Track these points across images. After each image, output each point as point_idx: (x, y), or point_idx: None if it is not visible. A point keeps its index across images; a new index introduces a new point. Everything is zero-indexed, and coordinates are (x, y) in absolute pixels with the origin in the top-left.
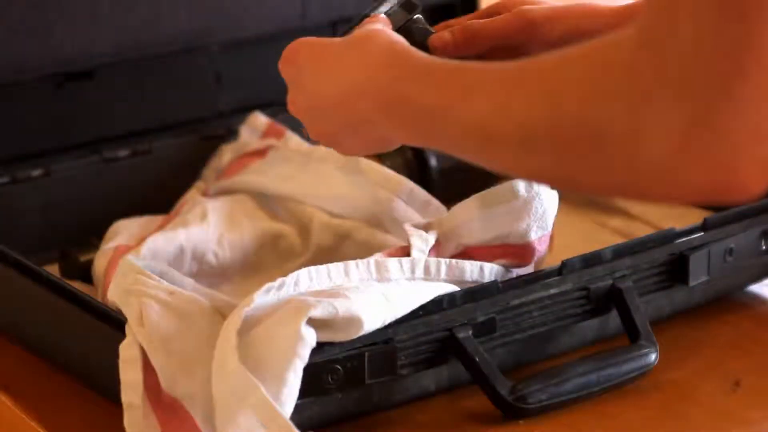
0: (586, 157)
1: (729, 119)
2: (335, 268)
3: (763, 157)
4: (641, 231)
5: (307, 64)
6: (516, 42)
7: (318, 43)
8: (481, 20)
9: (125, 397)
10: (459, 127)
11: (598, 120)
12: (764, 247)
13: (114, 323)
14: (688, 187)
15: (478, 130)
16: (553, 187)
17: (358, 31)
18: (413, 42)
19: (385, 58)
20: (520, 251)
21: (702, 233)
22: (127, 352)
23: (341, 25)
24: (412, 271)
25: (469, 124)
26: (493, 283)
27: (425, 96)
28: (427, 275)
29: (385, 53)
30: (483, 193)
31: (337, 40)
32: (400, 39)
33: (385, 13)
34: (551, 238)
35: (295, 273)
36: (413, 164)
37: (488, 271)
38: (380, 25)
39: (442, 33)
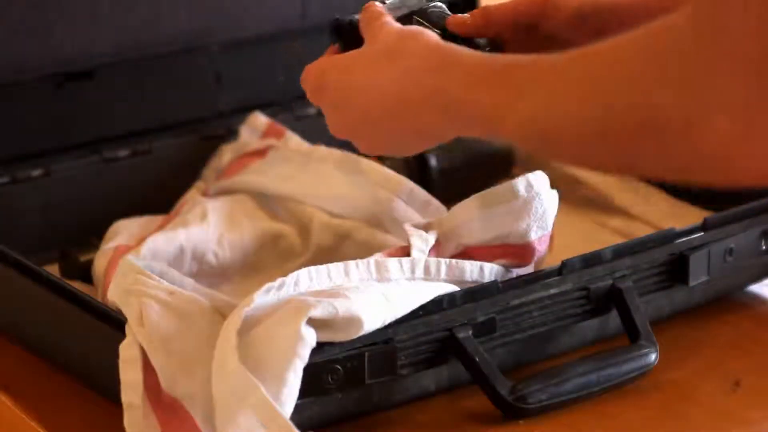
0: (646, 147)
1: None
2: (335, 268)
3: None
4: (641, 231)
5: (342, 83)
6: (533, 19)
7: (343, 59)
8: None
9: (125, 397)
10: (516, 125)
11: (655, 109)
12: (764, 247)
13: (114, 323)
14: (752, 171)
15: (534, 128)
16: (617, 174)
17: (386, 36)
18: (431, 25)
19: (430, 62)
20: (520, 251)
21: (702, 233)
22: (127, 352)
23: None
24: (412, 271)
25: (526, 122)
26: (493, 283)
27: (480, 98)
28: (427, 275)
29: (428, 56)
30: (483, 193)
31: (364, 51)
32: (437, 38)
33: None
34: (551, 238)
35: (295, 273)
36: (413, 164)
37: (488, 271)
38: (390, 18)
39: (460, 15)
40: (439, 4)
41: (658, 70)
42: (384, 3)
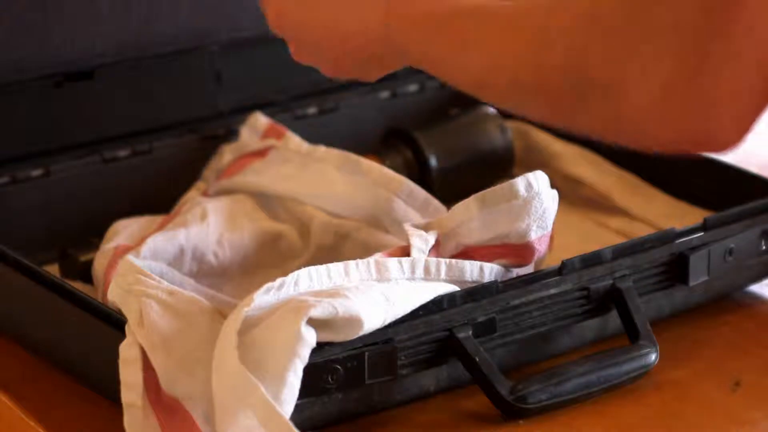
0: (575, 106)
1: (707, 77)
2: (335, 268)
3: (737, 113)
4: (641, 231)
5: (299, 14)
6: None
7: None
8: None
9: (125, 397)
10: (457, 76)
11: (584, 69)
12: (764, 247)
13: (114, 323)
14: (667, 137)
15: (474, 81)
16: (558, 126)
17: None
18: None
19: (382, 3)
20: (520, 251)
21: (702, 233)
22: (127, 352)
23: None
24: (412, 271)
25: (466, 76)
26: (493, 283)
27: (423, 47)
28: (427, 275)
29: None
30: (483, 193)
31: None
32: None
33: None
34: (551, 238)
35: (295, 273)
36: (413, 164)
37: (488, 271)
38: None
39: None
40: None
41: (590, 33)
42: None
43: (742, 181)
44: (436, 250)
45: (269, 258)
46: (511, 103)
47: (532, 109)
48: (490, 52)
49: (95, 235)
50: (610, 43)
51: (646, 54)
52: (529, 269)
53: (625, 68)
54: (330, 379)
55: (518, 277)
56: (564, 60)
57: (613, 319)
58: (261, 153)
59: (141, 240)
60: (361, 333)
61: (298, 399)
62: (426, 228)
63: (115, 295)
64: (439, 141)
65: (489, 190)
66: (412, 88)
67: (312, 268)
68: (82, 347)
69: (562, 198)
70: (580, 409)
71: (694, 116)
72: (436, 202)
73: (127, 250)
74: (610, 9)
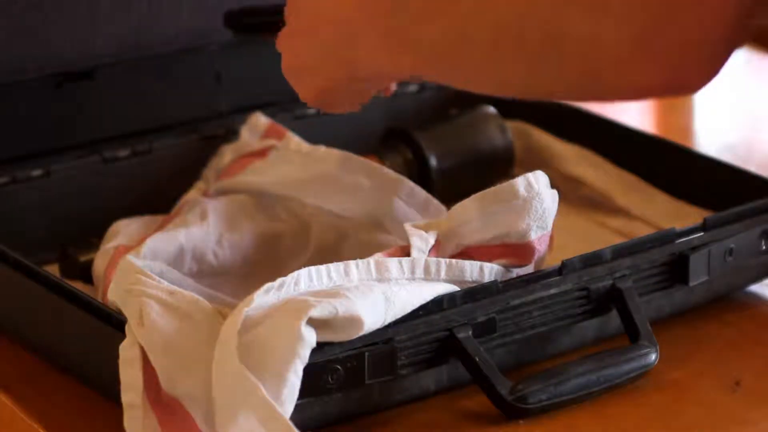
0: (550, 60)
1: (675, 26)
2: (335, 268)
3: (704, 57)
4: (641, 231)
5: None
6: None
7: None
8: None
9: (125, 397)
10: (440, 29)
11: (561, 23)
12: (764, 247)
13: (114, 323)
14: (640, 85)
15: (456, 32)
16: (521, 97)
17: None
18: None
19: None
20: (520, 251)
21: (702, 233)
22: (127, 352)
23: None
24: (412, 271)
25: (450, 25)
26: (493, 283)
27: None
28: (427, 275)
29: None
30: (483, 193)
31: None
32: None
33: None
34: (551, 238)
35: (295, 273)
36: (413, 164)
37: (488, 271)
38: None
39: None
40: None
41: None
42: None
43: (742, 181)
44: (436, 250)
45: (269, 258)
46: (487, 62)
47: (507, 69)
48: (469, 9)
49: (95, 235)
50: (585, 1)
51: (618, 9)
52: (529, 269)
53: (600, 23)
54: (330, 379)
55: (518, 277)
56: (544, 12)
57: (613, 319)
58: (261, 153)
59: (141, 240)
60: (361, 333)
61: (298, 399)
62: (426, 228)
63: (115, 295)
64: (439, 141)
65: (489, 190)
66: (412, 88)
67: (312, 268)
68: (82, 347)
69: (562, 198)
70: (580, 409)
71: (665, 64)
72: (436, 202)
73: (127, 250)
74: None
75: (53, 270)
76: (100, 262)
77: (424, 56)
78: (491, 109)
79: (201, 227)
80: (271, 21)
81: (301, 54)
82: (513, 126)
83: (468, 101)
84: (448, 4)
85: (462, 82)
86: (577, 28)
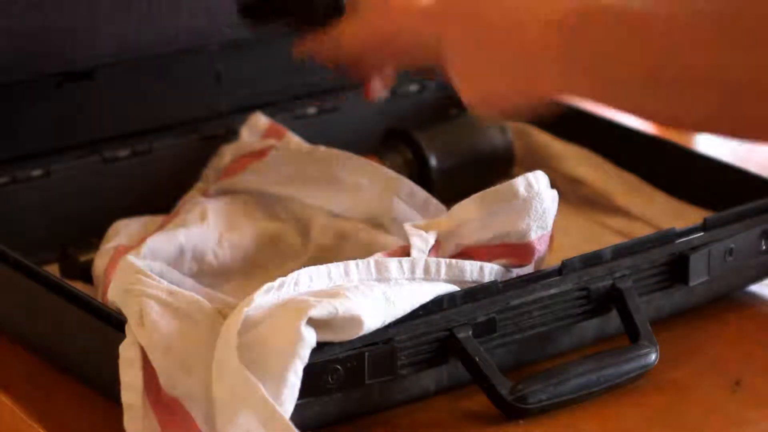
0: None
1: None
2: (335, 268)
3: None
4: (641, 231)
5: None
6: None
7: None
8: None
9: (125, 397)
10: (644, 33)
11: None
12: (764, 247)
13: (114, 323)
14: None
15: (669, 34)
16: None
17: None
18: None
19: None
20: (520, 251)
21: (702, 233)
22: (127, 352)
23: None
24: (412, 271)
25: (658, 27)
26: (493, 283)
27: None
28: (427, 275)
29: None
30: (483, 192)
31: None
32: None
33: None
34: (551, 238)
35: (295, 273)
36: (413, 164)
37: (488, 271)
38: None
39: None
40: None
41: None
42: None
43: (742, 181)
44: (436, 250)
45: (269, 258)
46: (707, 59)
47: (734, 63)
48: (661, 48)
49: (95, 235)
50: (753, 49)
51: None
52: (529, 269)
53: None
54: (330, 379)
55: (518, 277)
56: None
57: (613, 319)
58: (261, 153)
59: (141, 240)
60: (361, 333)
61: (298, 399)
62: (426, 228)
63: (115, 295)
64: (439, 141)
65: (489, 190)
66: (412, 88)
67: (312, 268)
68: (82, 347)
69: (562, 198)
70: (580, 409)
71: None
72: (436, 202)
73: (127, 250)
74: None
75: (53, 270)
76: (100, 262)
77: (606, 88)
78: None
79: (201, 227)
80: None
81: (478, 61)
82: (513, 126)
83: None
84: (640, 44)
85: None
86: (750, 76)
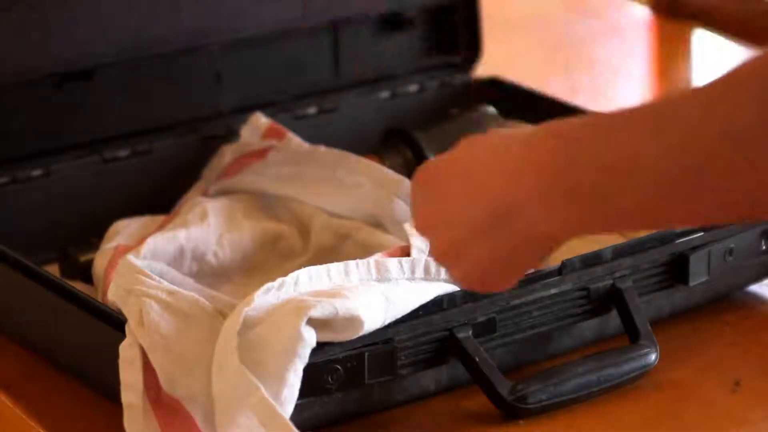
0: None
1: None
2: (335, 268)
3: None
4: (641, 231)
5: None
6: None
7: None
8: None
9: (125, 397)
10: (662, 166)
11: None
12: (764, 247)
13: (114, 323)
14: None
15: (688, 156)
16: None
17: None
18: None
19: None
20: None
21: (702, 233)
22: (127, 352)
23: (342, 25)
24: (412, 271)
25: (676, 154)
26: None
27: (607, 149)
28: (427, 275)
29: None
30: None
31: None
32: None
33: None
34: None
35: (295, 273)
36: (413, 164)
37: None
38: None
39: None
40: None
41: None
42: None
43: None
44: None
45: (269, 258)
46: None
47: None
48: (701, 111)
49: (95, 235)
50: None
51: None
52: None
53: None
54: (330, 379)
55: None
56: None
57: (613, 319)
58: (261, 153)
59: (141, 240)
60: (361, 333)
61: (298, 399)
62: None
63: (115, 295)
64: (439, 141)
65: None
66: (412, 88)
67: (312, 268)
68: (82, 347)
69: None
70: (580, 409)
71: None
72: None
73: (127, 250)
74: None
75: (53, 270)
76: (100, 262)
77: (608, 216)
78: (491, 109)
79: (201, 227)
80: None
81: (456, 233)
82: (513, 126)
83: (468, 101)
84: (657, 146)
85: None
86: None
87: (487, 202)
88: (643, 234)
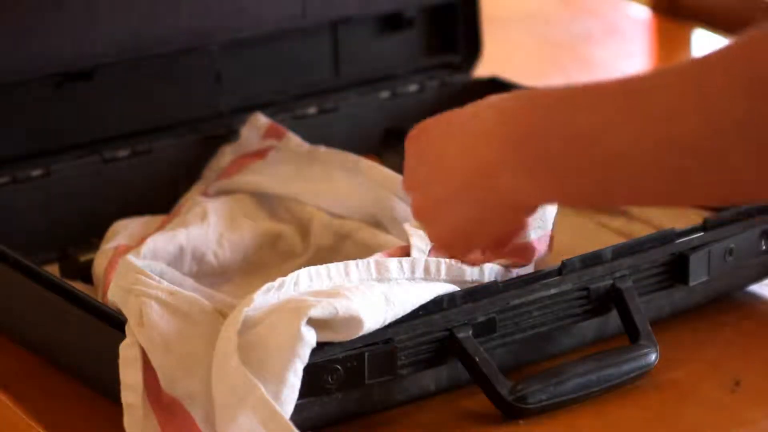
0: (688, 186)
1: None
2: (335, 268)
3: None
4: (641, 231)
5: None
6: None
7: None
8: None
9: (125, 397)
10: (624, 142)
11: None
12: (764, 247)
13: (114, 323)
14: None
15: (655, 136)
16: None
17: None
18: None
19: (512, 102)
20: (520, 251)
21: (702, 233)
22: (127, 352)
23: (342, 25)
24: (412, 271)
25: (642, 134)
26: (493, 283)
27: (576, 120)
28: (427, 275)
29: (508, 98)
30: None
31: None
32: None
33: None
34: (551, 238)
35: (295, 273)
36: None
37: (488, 271)
38: None
39: None
40: None
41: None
42: None
43: None
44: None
45: (269, 258)
46: (700, 165)
47: (731, 166)
48: (681, 97)
49: (95, 235)
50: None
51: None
52: (529, 269)
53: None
54: (330, 379)
55: (518, 277)
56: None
57: (613, 319)
58: (261, 153)
59: (141, 240)
60: (361, 333)
61: (298, 399)
62: None
63: (115, 295)
64: None
65: None
66: (412, 88)
67: (312, 268)
68: (82, 347)
69: None
70: (580, 409)
71: None
72: None
73: (127, 250)
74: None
75: (53, 270)
76: (100, 262)
77: (571, 187)
78: None
79: (201, 227)
80: None
81: (435, 192)
82: None
83: (468, 101)
84: (626, 122)
85: (613, 202)
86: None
87: (464, 162)
88: (643, 234)
